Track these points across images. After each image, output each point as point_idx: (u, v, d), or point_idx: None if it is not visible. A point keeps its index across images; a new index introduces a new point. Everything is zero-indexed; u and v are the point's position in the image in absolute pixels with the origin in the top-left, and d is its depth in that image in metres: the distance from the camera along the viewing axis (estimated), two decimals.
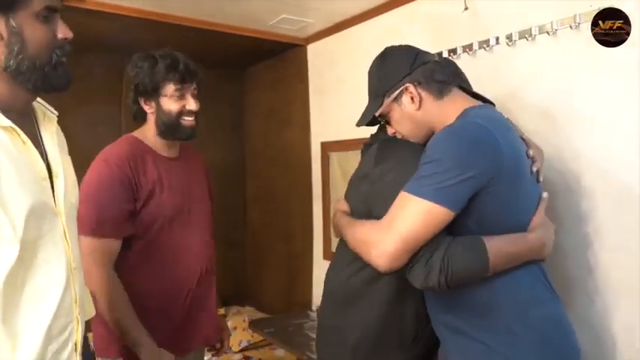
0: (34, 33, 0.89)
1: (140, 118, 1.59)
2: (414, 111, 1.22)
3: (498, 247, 1.08)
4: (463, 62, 1.29)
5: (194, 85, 1.56)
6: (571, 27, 1.53)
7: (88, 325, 1.07)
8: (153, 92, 1.51)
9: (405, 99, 1.22)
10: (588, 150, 1.51)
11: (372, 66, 1.31)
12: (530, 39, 1.65)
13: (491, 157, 1.07)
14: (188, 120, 1.54)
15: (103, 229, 1.41)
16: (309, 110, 2.97)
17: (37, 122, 1.00)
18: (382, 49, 1.32)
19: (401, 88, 1.22)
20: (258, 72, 3.59)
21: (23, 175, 0.86)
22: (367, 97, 1.33)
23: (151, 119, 1.56)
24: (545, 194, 1.20)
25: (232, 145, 3.74)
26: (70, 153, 1.10)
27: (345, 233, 1.30)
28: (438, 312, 1.23)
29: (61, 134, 1.08)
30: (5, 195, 0.82)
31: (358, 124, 1.33)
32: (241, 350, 2.94)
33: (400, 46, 1.29)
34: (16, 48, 0.87)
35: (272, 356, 2.91)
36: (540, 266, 1.20)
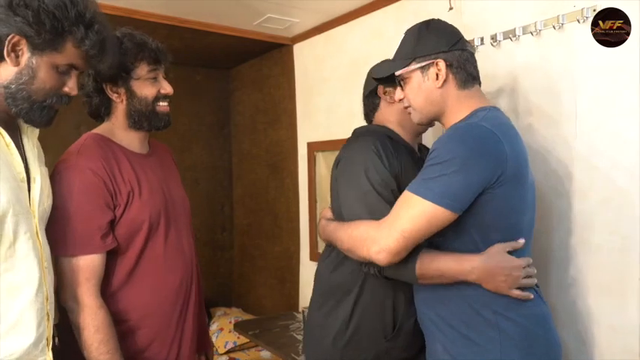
0: (46, 77, 1.00)
1: (105, 111, 1.38)
2: (435, 88, 1.23)
3: (432, 259, 1.16)
4: None
5: (164, 67, 1.40)
6: (554, 27, 1.54)
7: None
8: (123, 76, 1.32)
9: (432, 72, 1.22)
10: (572, 150, 1.52)
11: (412, 29, 1.29)
12: (514, 39, 1.66)
13: (497, 160, 1.10)
14: (164, 105, 1.39)
15: (85, 245, 1.22)
16: (296, 110, 2.96)
17: (20, 132, 1.07)
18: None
19: (432, 60, 1.22)
20: (244, 71, 3.57)
21: (3, 173, 0.93)
22: (392, 59, 1.32)
23: (120, 109, 1.36)
24: (521, 240, 1.16)
25: (218, 145, 3.71)
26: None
27: (336, 237, 1.31)
28: (424, 306, 1.25)
29: (40, 147, 1.16)
30: None
31: (372, 73, 1.39)
32: (227, 352, 2.92)
33: (447, 24, 1.29)
34: (24, 79, 0.98)
35: (258, 358, 2.90)
36: None
